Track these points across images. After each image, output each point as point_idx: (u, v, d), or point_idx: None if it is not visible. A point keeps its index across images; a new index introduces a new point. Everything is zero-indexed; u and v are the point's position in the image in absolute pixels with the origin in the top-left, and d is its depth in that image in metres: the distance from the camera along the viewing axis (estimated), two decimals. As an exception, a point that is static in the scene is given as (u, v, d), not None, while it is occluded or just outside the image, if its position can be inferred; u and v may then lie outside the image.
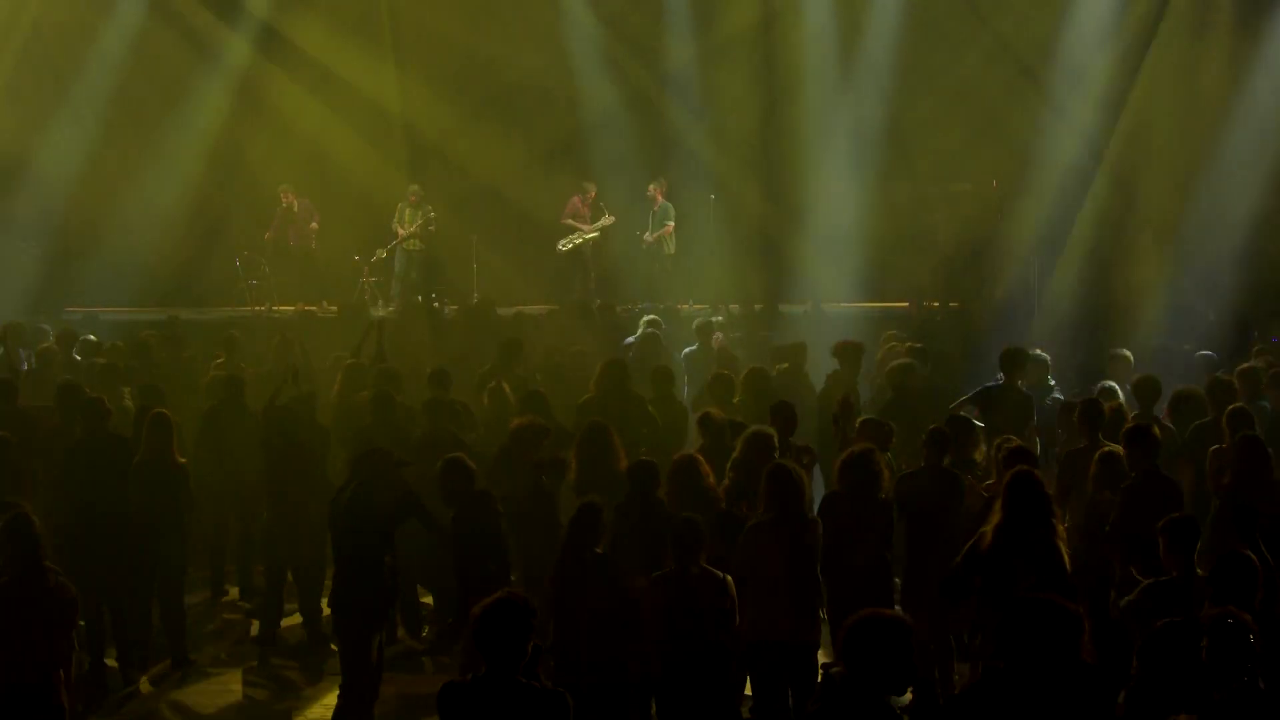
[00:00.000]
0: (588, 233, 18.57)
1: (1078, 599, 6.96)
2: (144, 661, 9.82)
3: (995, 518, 7.30)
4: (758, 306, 16.41)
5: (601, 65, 19.30)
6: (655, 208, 18.38)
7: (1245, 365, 11.21)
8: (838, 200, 18.36)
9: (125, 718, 9.05)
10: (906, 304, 17.91)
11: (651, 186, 18.41)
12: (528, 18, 19.59)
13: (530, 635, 5.17)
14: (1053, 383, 11.66)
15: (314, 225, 18.81)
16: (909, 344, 12.76)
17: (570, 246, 18.68)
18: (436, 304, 17.89)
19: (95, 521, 9.38)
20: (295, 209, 18.67)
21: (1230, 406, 9.63)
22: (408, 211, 18.59)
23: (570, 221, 18.74)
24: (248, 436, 10.78)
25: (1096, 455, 8.48)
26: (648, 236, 18.30)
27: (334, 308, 17.07)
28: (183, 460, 9.87)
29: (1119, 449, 8.70)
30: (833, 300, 17.09)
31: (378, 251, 18.61)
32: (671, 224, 18.38)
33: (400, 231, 18.56)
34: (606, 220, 18.56)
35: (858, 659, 4.95)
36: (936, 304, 17.56)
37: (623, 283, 18.55)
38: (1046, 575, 7.01)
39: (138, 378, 11.97)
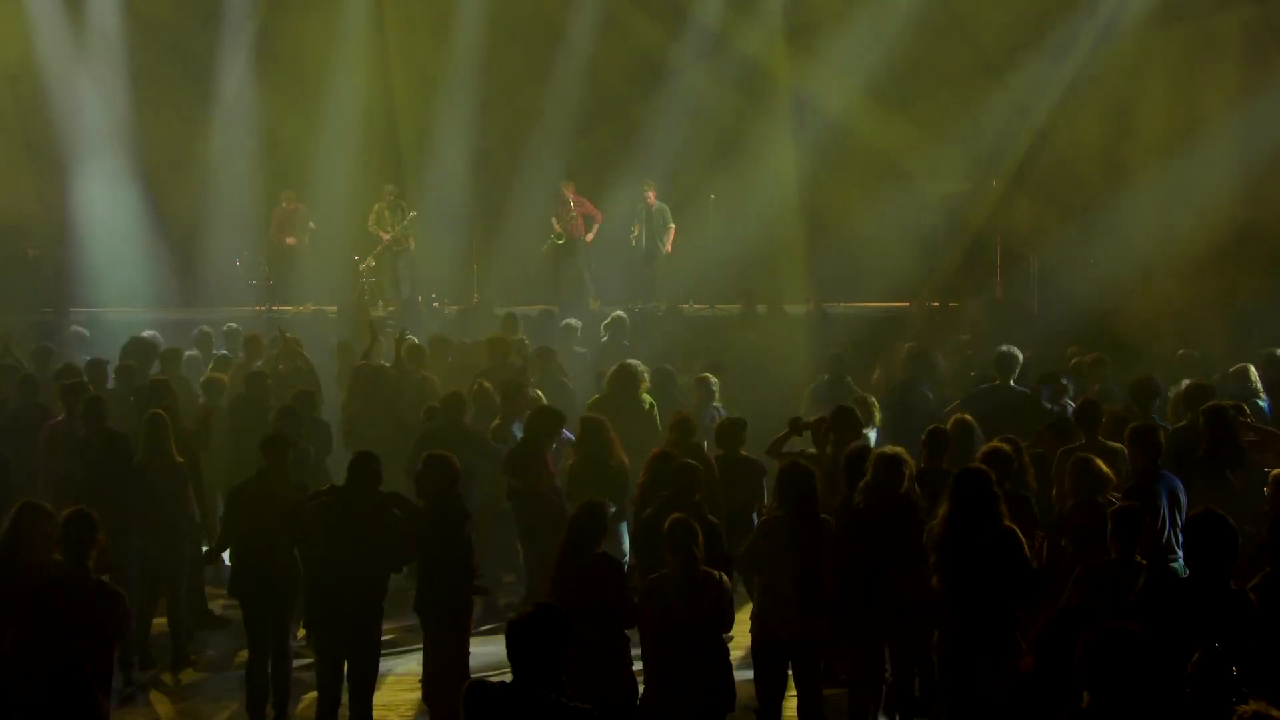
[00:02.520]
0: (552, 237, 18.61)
1: (1044, 585, 7.15)
2: (145, 661, 9.83)
3: (941, 511, 7.36)
4: (762, 307, 16.42)
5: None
6: (650, 205, 18.40)
7: (1237, 366, 11.24)
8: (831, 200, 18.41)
9: (125, 717, 9.04)
10: (907, 304, 17.90)
11: (646, 189, 18.42)
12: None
13: (564, 649, 5.00)
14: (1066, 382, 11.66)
15: (312, 225, 18.84)
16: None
17: (547, 248, 18.74)
18: (436, 304, 17.91)
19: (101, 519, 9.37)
20: (296, 212, 18.69)
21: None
22: (386, 212, 18.53)
23: (553, 221, 18.77)
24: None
25: (1070, 460, 8.38)
26: (665, 246, 18.33)
27: (333, 308, 17.11)
28: (181, 460, 9.87)
29: (1107, 448, 8.79)
30: (833, 300, 17.13)
31: (368, 259, 18.53)
32: (673, 226, 18.42)
33: (384, 236, 18.50)
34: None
35: (1103, 680, 4.49)
36: (936, 304, 17.57)
37: (621, 283, 18.58)
38: (1004, 563, 7.10)
39: (138, 378, 12.00)
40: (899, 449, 7.98)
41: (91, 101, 18.72)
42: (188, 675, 9.79)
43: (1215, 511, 6.25)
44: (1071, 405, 10.58)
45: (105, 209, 18.51)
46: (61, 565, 6.75)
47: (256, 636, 8.53)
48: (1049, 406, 10.69)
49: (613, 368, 11.52)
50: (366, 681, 8.10)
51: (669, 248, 18.45)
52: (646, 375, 11.41)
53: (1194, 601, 5.99)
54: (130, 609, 6.96)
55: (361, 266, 18.46)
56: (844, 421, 9.36)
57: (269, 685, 8.51)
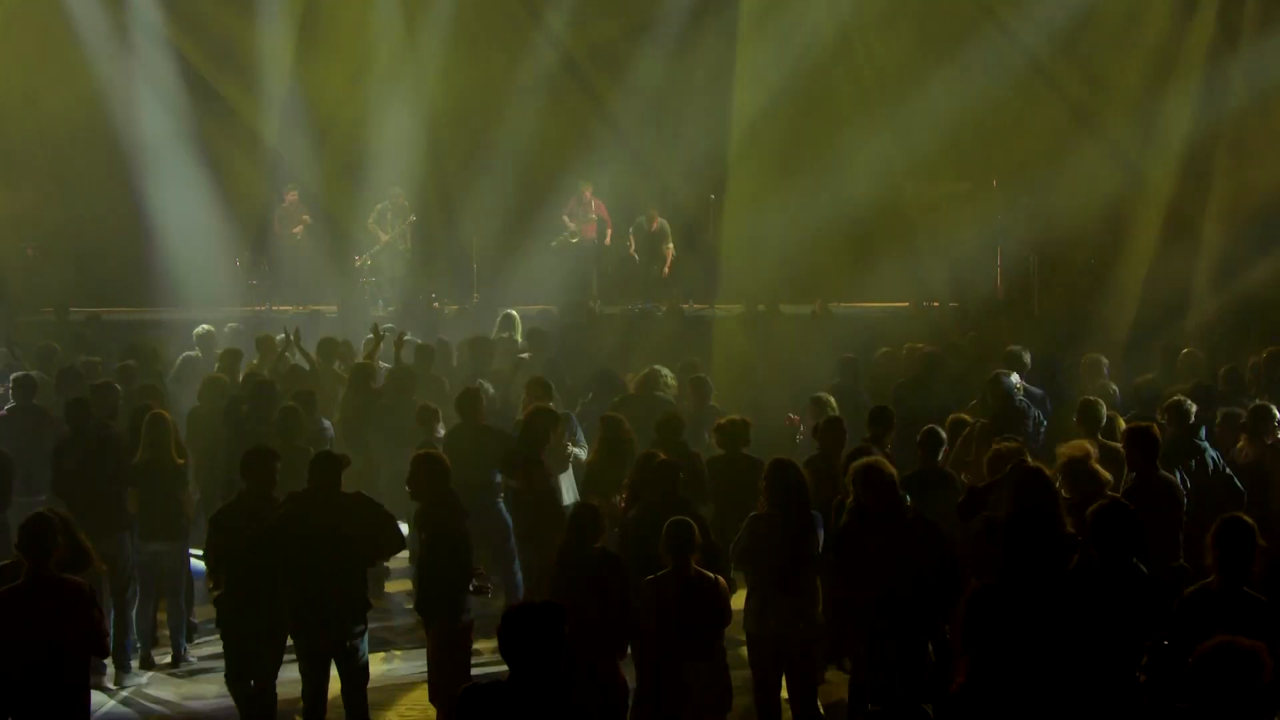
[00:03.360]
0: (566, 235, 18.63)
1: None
2: (145, 660, 9.86)
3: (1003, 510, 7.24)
4: (761, 307, 16.40)
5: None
6: (653, 228, 18.42)
7: (1226, 367, 11.27)
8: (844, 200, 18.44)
9: (125, 716, 9.06)
10: (907, 304, 17.90)
11: (653, 213, 18.47)
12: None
13: (560, 644, 4.92)
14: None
15: (306, 218, 18.88)
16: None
17: (557, 244, 18.75)
18: (435, 304, 17.92)
19: (93, 519, 9.40)
20: (297, 207, 18.73)
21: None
22: (389, 214, 18.51)
23: (565, 219, 18.77)
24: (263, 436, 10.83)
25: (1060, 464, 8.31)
26: (665, 267, 18.40)
27: (333, 307, 17.12)
28: (181, 461, 9.88)
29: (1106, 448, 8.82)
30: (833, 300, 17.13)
31: (363, 258, 18.53)
32: (671, 246, 18.44)
33: (382, 235, 18.48)
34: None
35: (1209, 695, 4.53)
36: (936, 304, 17.59)
37: (620, 283, 18.61)
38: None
39: (140, 378, 12.01)
40: (877, 458, 7.81)
41: (148, 99, 18.75)
42: (187, 675, 9.81)
43: (1119, 501, 6.43)
44: (1020, 395, 10.60)
45: (176, 207, 18.56)
46: (22, 570, 6.76)
47: (245, 664, 8.19)
48: (1019, 399, 10.71)
49: (643, 371, 11.56)
50: (359, 680, 8.05)
51: (667, 269, 18.43)
52: (672, 378, 11.48)
53: (1105, 584, 6.13)
54: (98, 600, 6.95)
55: (357, 263, 18.46)
56: (883, 421, 9.46)
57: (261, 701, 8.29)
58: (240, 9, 19.21)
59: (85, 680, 6.90)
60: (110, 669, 9.49)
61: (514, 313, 14.62)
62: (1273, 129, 16.56)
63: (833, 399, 10.77)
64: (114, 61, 18.78)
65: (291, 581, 7.93)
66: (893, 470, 7.61)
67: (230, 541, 8.00)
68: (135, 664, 9.75)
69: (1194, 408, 9.31)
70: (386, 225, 18.49)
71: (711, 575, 7.27)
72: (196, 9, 19.22)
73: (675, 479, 8.23)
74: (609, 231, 18.83)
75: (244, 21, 19.26)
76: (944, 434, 8.98)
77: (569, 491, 10.19)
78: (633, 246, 18.58)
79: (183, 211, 18.67)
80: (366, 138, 19.41)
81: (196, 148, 18.90)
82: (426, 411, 10.74)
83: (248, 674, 8.19)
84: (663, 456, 8.61)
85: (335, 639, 7.95)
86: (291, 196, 18.72)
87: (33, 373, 11.78)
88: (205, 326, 14.35)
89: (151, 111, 18.81)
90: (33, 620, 6.60)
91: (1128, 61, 17.90)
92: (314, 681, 8.03)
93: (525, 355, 12.95)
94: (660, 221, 18.52)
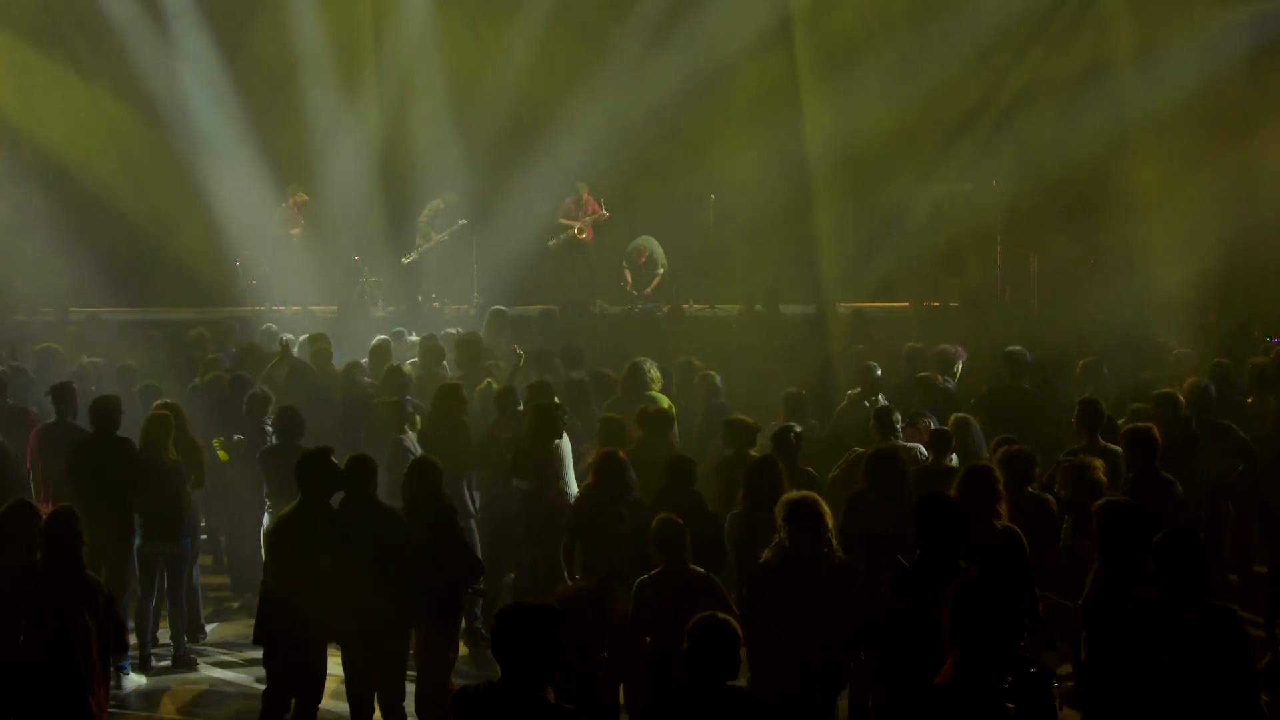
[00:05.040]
0: (573, 231, 18.63)
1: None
2: (144, 660, 9.87)
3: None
4: (759, 307, 16.42)
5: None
6: (642, 260, 18.43)
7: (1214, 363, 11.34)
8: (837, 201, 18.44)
9: (125, 716, 9.06)
10: (907, 304, 17.92)
11: (641, 245, 18.46)
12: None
13: (553, 647, 4.93)
14: None
15: (303, 221, 18.83)
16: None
17: (555, 244, 18.74)
18: (435, 304, 17.93)
19: (100, 520, 9.41)
20: (305, 205, 18.69)
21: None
22: (441, 214, 18.53)
23: (562, 220, 18.78)
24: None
25: (1066, 463, 8.39)
26: (648, 292, 18.37)
27: (333, 307, 17.13)
28: (176, 458, 9.89)
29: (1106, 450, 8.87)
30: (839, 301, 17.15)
31: (411, 254, 18.52)
32: (660, 272, 18.45)
33: (434, 235, 18.48)
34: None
35: (1198, 652, 5.21)
36: (937, 304, 17.60)
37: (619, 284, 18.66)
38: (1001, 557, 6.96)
39: (140, 378, 12.03)
40: (810, 493, 7.21)
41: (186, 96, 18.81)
42: (187, 675, 9.81)
43: (942, 494, 6.48)
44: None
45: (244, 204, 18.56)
46: (54, 563, 6.77)
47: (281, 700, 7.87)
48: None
49: (626, 366, 11.56)
50: (398, 690, 7.93)
51: (649, 291, 18.39)
52: (656, 371, 11.45)
53: (926, 582, 6.11)
54: (116, 603, 6.99)
55: (404, 260, 18.43)
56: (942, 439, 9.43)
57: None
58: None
59: (106, 675, 6.92)
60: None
61: (503, 309, 14.60)
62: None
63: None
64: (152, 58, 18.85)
65: (343, 591, 7.74)
66: (823, 508, 7.00)
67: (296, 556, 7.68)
68: (134, 664, 9.74)
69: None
70: (439, 225, 18.49)
71: (705, 573, 7.27)
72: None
73: (692, 473, 8.40)
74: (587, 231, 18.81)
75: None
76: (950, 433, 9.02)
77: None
78: (630, 284, 18.53)
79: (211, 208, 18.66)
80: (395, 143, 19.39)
81: (228, 146, 18.90)
82: (397, 410, 10.67)
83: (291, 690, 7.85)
84: (620, 454, 8.72)
85: (375, 644, 7.80)
86: (300, 198, 18.64)
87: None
88: (201, 330, 14.35)
89: (187, 110, 18.83)
90: (58, 613, 6.65)
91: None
92: (360, 692, 7.89)
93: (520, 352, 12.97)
94: (649, 253, 18.46)
